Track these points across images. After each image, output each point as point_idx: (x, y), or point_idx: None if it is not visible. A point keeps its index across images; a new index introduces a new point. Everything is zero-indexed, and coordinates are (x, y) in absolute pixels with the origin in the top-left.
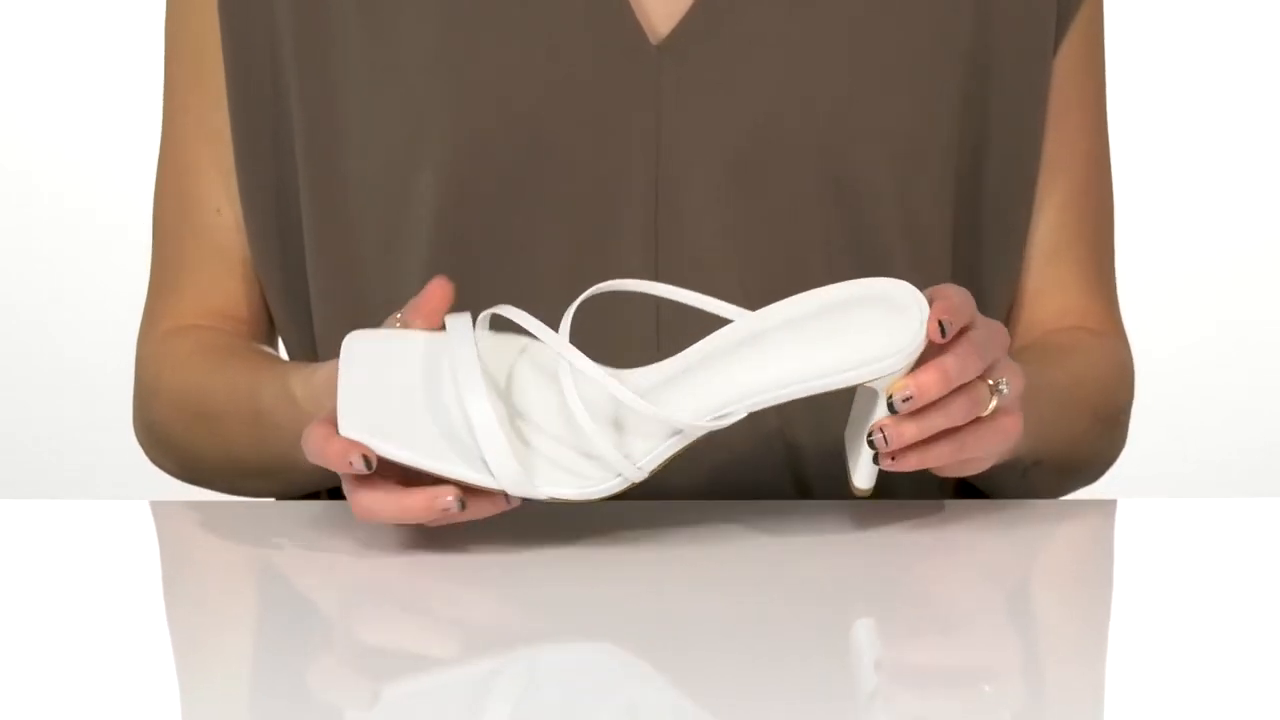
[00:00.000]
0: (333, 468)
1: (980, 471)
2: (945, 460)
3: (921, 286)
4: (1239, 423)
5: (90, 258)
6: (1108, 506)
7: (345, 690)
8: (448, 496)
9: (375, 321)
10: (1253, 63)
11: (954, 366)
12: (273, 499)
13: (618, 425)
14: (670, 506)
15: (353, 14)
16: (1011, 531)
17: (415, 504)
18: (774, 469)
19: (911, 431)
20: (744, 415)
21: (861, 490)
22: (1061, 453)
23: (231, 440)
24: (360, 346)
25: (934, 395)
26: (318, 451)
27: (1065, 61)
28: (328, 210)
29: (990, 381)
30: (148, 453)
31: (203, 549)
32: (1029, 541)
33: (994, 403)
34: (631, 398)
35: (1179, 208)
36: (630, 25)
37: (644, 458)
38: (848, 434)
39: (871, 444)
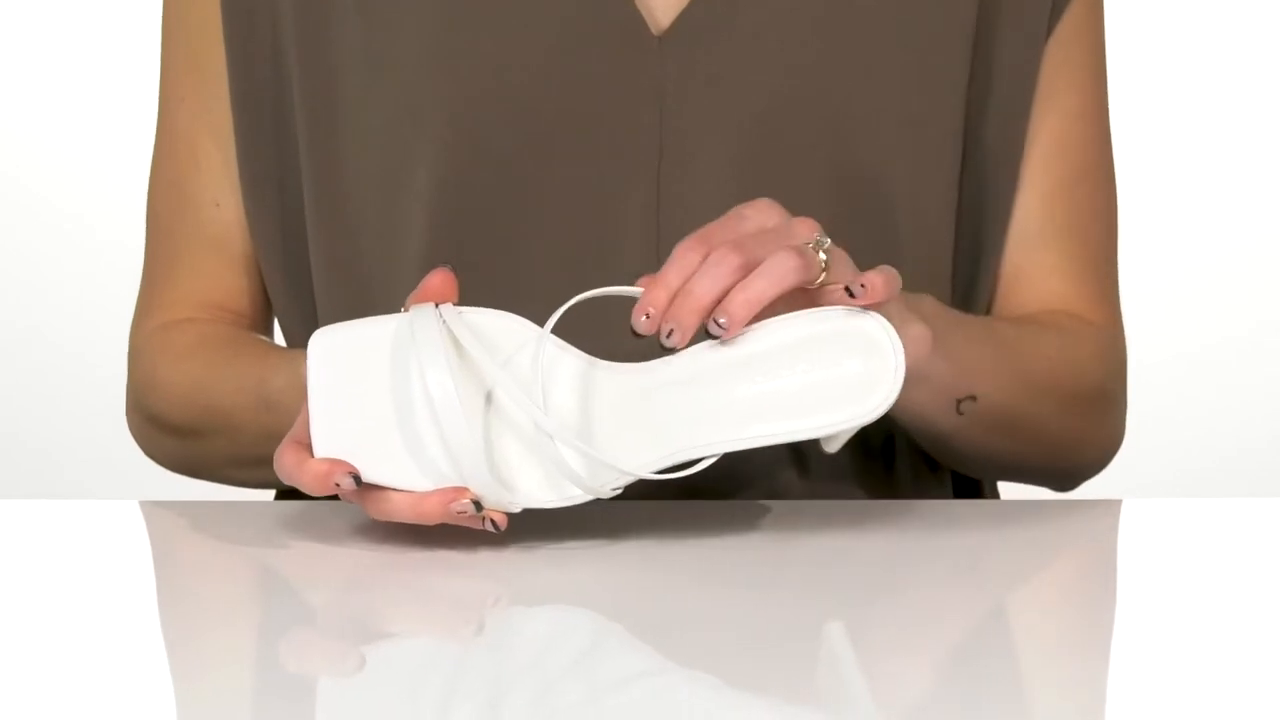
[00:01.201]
0: (312, 491)
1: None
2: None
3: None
4: (1240, 423)
5: (84, 258)
6: (1109, 506)
7: (338, 686)
8: (463, 499)
9: (378, 314)
10: (1250, 64)
11: (697, 278)
12: (267, 498)
13: (592, 437)
14: (670, 507)
15: (350, 9)
16: (1013, 531)
17: (431, 507)
18: (776, 469)
19: (741, 303)
20: (709, 464)
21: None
22: (1003, 404)
23: (240, 430)
24: (325, 347)
25: (662, 299)
26: (292, 476)
27: (1057, 47)
28: (328, 201)
29: (807, 243)
30: (143, 445)
31: (193, 548)
32: (1030, 541)
33: (821, 257)
34: (591, 450)
35: (1180, 207)
36: (631, 16)
37: (616, 480)
38: None
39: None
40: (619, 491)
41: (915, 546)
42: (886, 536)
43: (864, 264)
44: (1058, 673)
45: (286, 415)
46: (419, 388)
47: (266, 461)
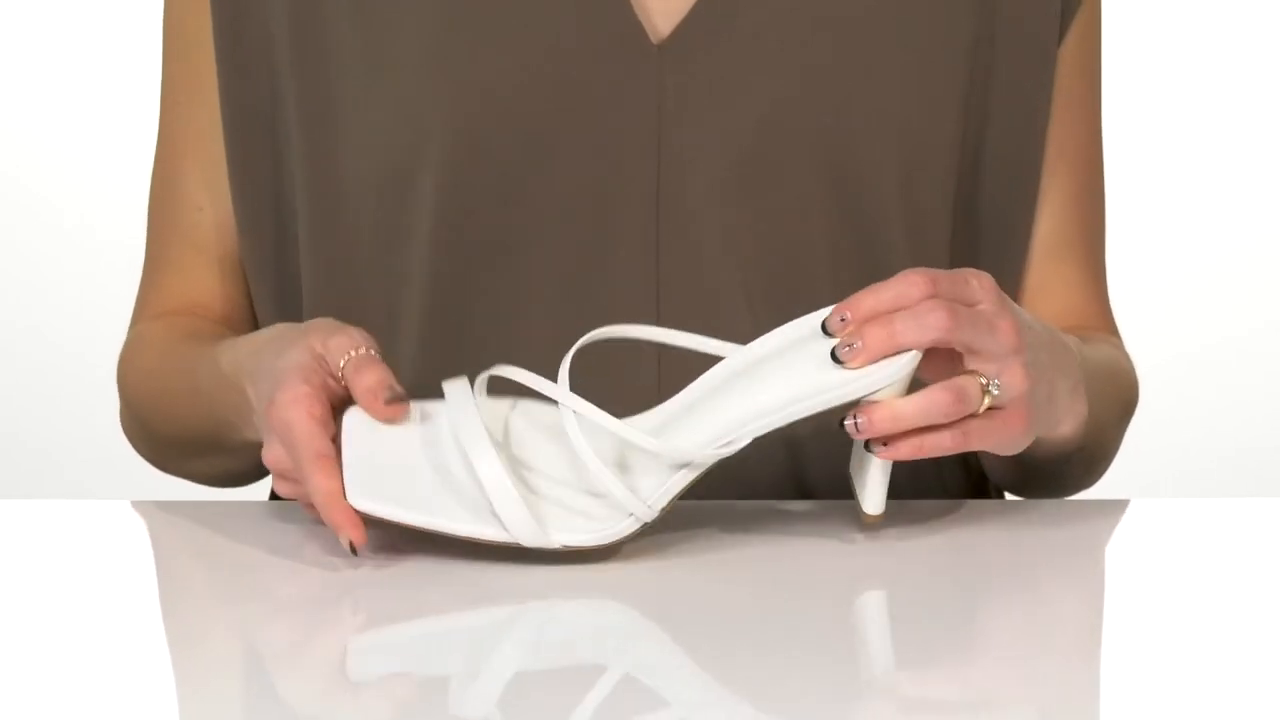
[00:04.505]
0: (332, 527)
1: (1008, 454)
2: (946, 448)
3: None
4: (1240, 423)
5: (84, 258)
6: (1111, 506)
7: (337, 687)
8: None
9: (370, 325)
10: (1250, 64)
11: (905, 320)
12: (265, 498)
13: (624, 468)
14: (676, 505)
15: (346, 11)
16: (1010, 531)
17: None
18: (775, 470)
19: (884, 416)
20: (749, 441)
21: (871, 517)
22: (1098, 442)
23: (181, 415)
24: (358, 418)
25: (868, 309)
26: (320, 507)
27: (1067, 58)
28: (325, 210)
29: (982, 380)
30: (128, 438)
31: (193, 549)
32: (1028, 541)
33: (986, 400)
34: (638, 434)
35: (1179, 208)
36: (631, 25)
37: (653, 494)
38: (852, 464)
39: (842, 425)
40: (655, 515)
41: (915, 546)
42: (888, 536)
43: (856, 264)
44: (1056, 671)
45: (209, 401)
46: (449, 432)
47: (211, 447)
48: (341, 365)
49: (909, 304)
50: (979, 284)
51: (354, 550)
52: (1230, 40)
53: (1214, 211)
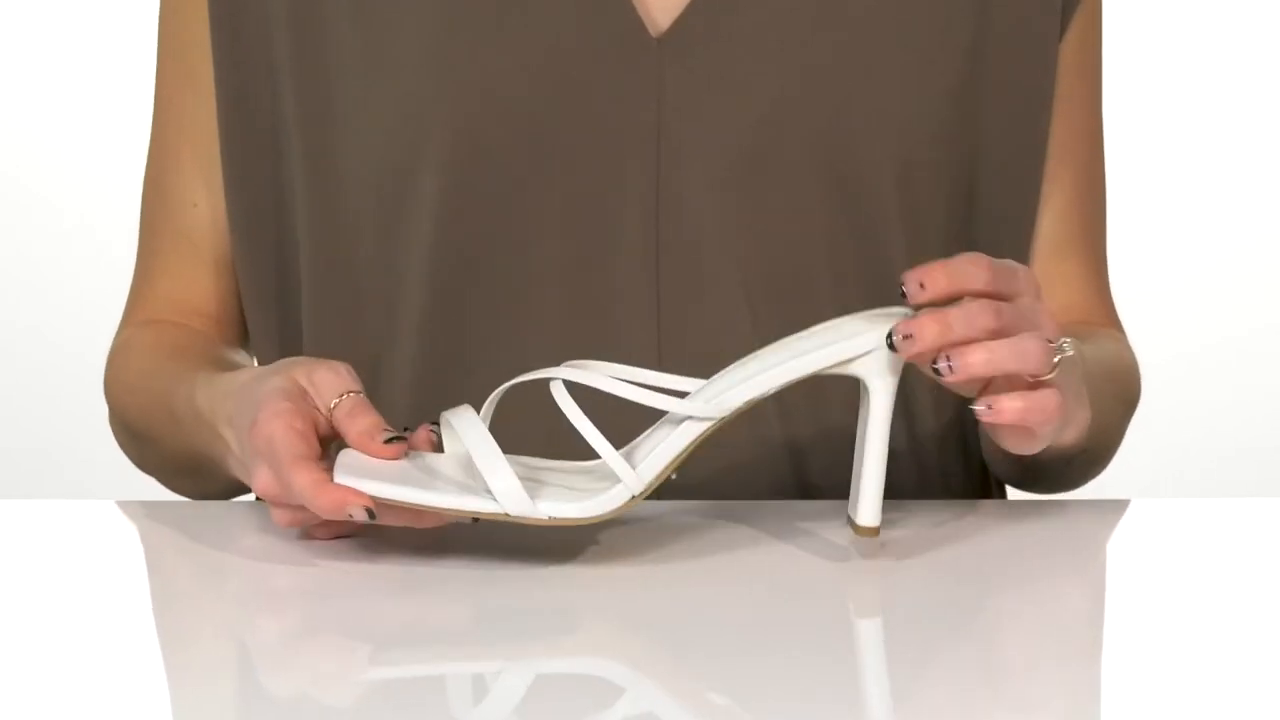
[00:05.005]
0: (324, 514)
1: (1032, 453)
2: (1050, 414)
3: None
4: (1240, 423)
5: (84, 258)
6: (1107, 507)
7: (329, 687)
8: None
9: (370, 324)
10: (1250, 64)
11: (958, 316)
12: (255, 500)
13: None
14: (670, 507)
15: (346, 10)
16: (1010, 531)
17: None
18: (775, 469)
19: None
20: (741, 403)
21: (864, 529)
22: (1101, 443)
23: (161, 434)
24: (351, 456)
25: (931, 340)
26: (309, 498)
27: (1067, 57)
28: (325, 209)
29: (1052, 341)
30: (116, 442)
31: (190, 549)
32: (1028, 541)
33: (1057, 358)
34: (626, 387)
35: (1180, 208)
36: (630, 20)
37: (640, 461)
38: (854, 472)
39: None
40: (643, 487)
41: (917, 546)
42: (889, 536)
43: (854, 264)
44: (1055, 671)
45: (184, 429)
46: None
47: (188, 470)
48: (332, 405)
49: (970, 286)
50: (1025, 278)
51: (371, 515)
52: (1230, 40)
53: (1214, 211)
